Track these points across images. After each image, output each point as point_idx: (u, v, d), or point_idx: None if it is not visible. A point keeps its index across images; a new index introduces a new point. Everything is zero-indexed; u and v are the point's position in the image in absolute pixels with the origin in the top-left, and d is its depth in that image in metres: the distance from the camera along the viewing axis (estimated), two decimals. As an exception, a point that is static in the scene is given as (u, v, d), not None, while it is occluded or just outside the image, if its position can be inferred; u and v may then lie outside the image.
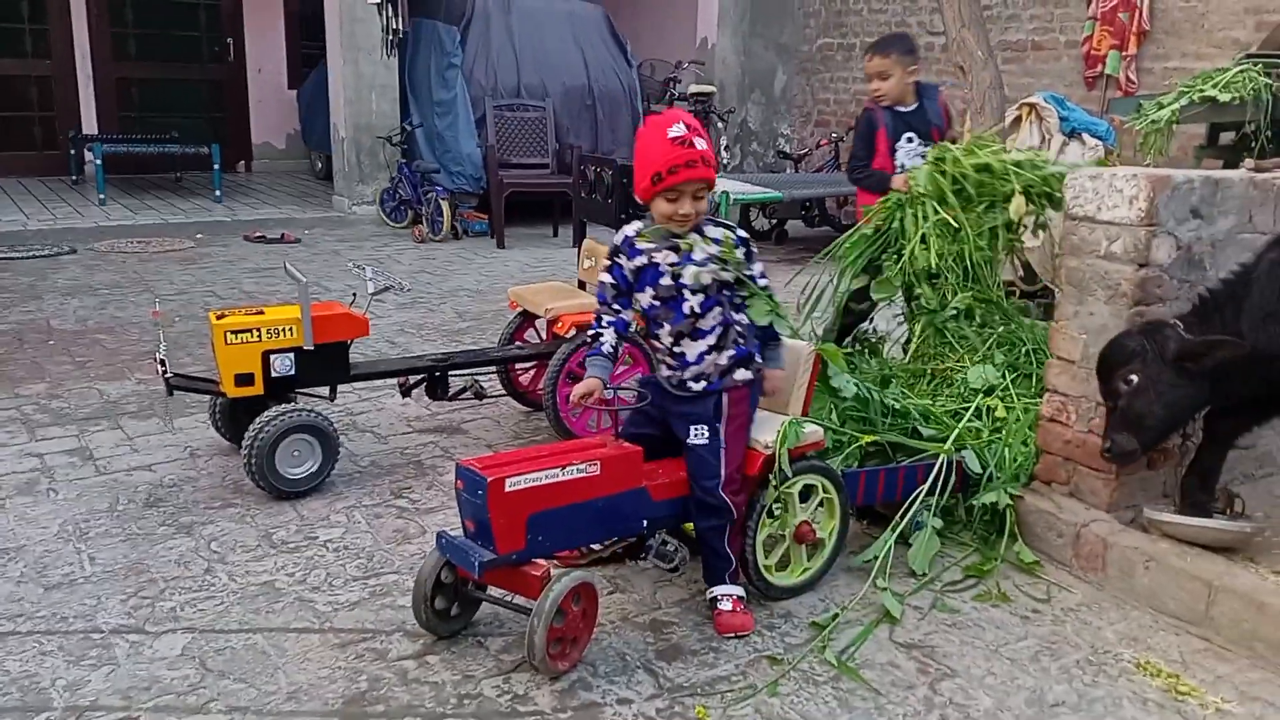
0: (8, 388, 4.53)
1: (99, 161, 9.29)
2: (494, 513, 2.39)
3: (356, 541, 3.19)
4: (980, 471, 3.23)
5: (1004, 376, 3.89)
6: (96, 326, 5.56)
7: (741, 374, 2.73)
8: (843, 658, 2.59)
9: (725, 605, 2.71)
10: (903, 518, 3.08)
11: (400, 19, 8.39)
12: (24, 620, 2.68)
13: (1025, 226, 5.98)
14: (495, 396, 4.28)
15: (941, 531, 3.14)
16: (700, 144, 2.59)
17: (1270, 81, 4.83)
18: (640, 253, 2.69)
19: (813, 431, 2.86)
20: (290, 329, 3.52)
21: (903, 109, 4.38)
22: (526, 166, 8.79)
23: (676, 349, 2.72)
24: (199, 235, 8.37)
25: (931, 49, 9.16)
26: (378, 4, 8.38)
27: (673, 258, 2.65)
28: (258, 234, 8.36)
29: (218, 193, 9.69)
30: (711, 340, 2.69)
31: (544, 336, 4.40)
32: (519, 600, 2.62)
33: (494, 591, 2.66)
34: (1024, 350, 4.09)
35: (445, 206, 8.42)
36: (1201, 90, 4.87)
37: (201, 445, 3.91)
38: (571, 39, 9.34)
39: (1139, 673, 2.60)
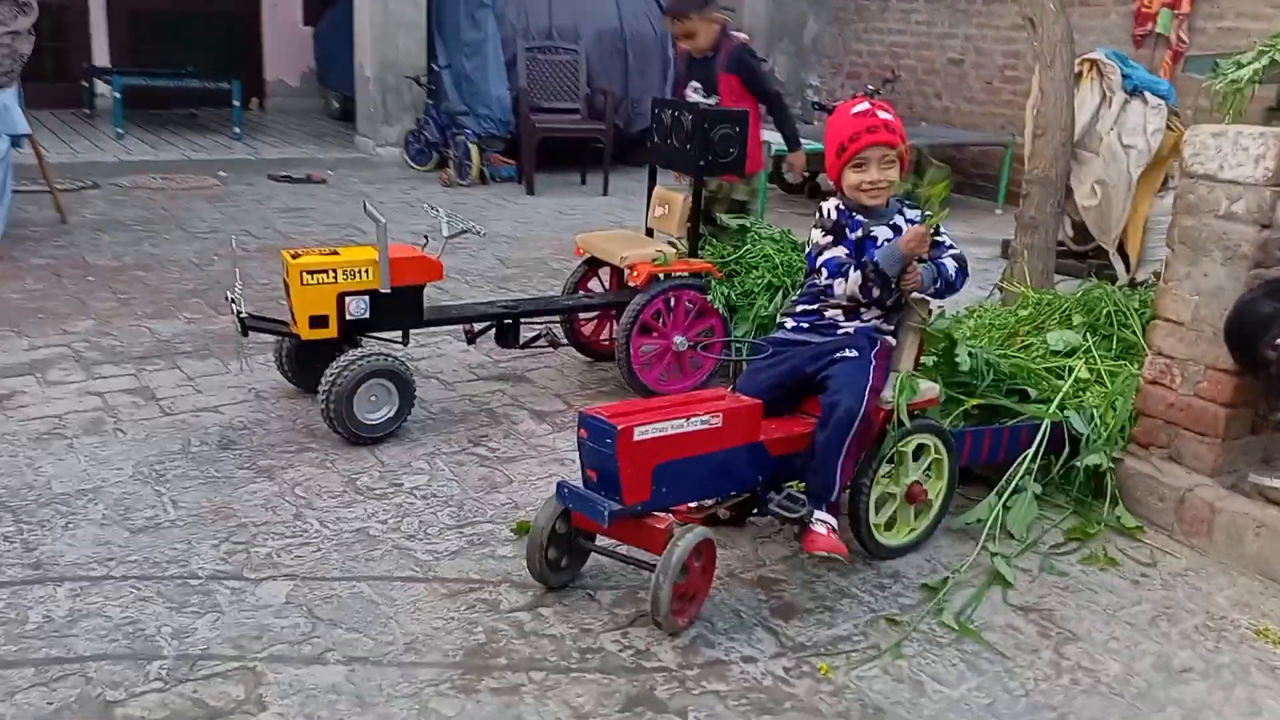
0: (54, 324, 4.40)
1: (118, 95, 9.04)
2: (622, 462, 2.31)
3: (443, 489, 3.11)
4: (1084, 434, 3.16)
5: (1085, 338, 3.82)
6: (135, 263, 5.42)
7: (889, 337, 2.78)
8: (961, 620, 2.54)
9: (820, 527, 2.61)
10: (1009, 481, 3.01)
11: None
12: (115, 564, 2.60)
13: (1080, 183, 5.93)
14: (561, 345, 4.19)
15: (1038, 494, 3.08)
16: (884, 114, 2.68)
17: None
18: (859, 225, 2.74)
19: (929, 388, 2.79)
20: (367, 271, 3.40)
21: (698, 56, 4.39)
22: (557, 111, 8.59)
23: (856, 296, 2.72)
24: (222, 172, 8.18)
25: (973, 0, 8.98)
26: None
27: (888, 233, 2.75)
28: (283, 174, 8.18)
29: (237, 130, 9.47)
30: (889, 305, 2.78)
31: (607, 285, 4.30)
32: (628, 552, 2.55)
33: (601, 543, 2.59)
34: (1104, 311, 4.02)
35: (474, 150, 8.24)
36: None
37: (265, 387, 3.81)
38: (603, -21, 9.10)
39: (1259, 640, 2.55)
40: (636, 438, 2.32)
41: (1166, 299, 3.15)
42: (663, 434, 2.36)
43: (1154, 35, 7.58)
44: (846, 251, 2.74)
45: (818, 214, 2.83)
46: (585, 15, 8.99)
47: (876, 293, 2.69)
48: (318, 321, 3.37)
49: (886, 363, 2.74)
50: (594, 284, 4.32)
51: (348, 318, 3.41)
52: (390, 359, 3.36)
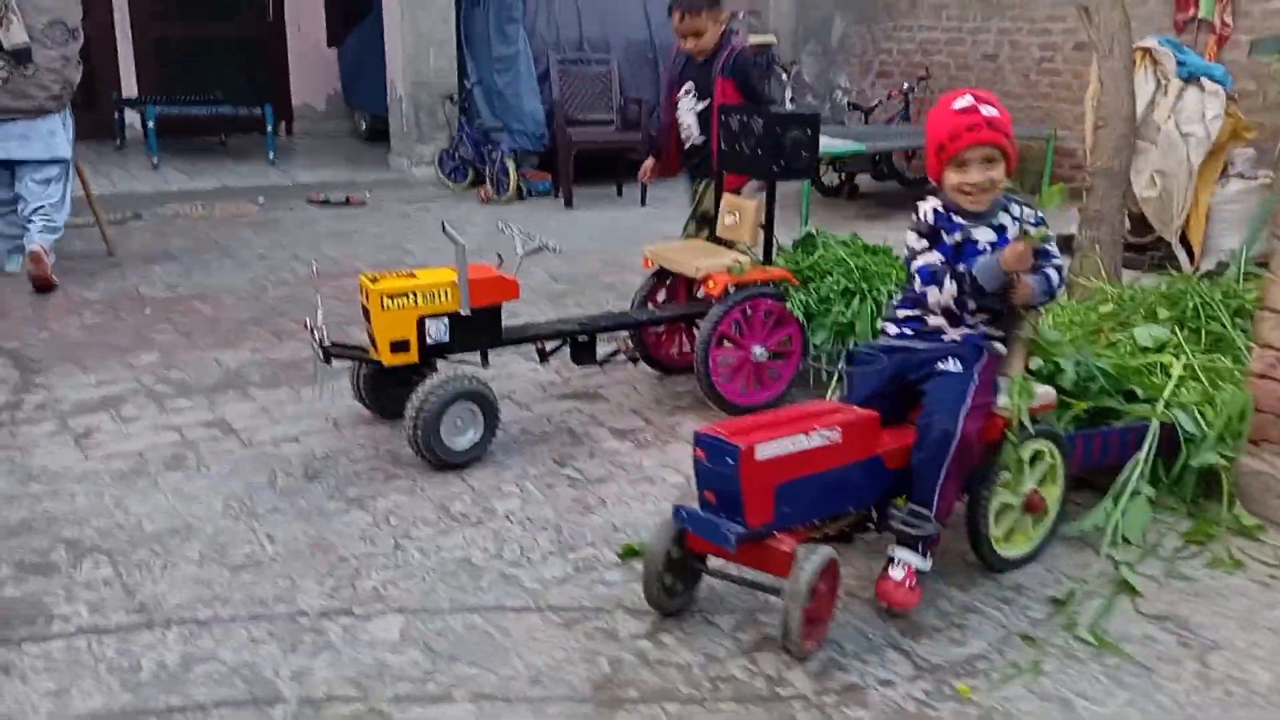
0: (118, 357, 4.37)
1: (152, 124, 9.05)
2: (745, 483, 2.23)
3: (538, 514, 3.04)
4: (1194, 433, 3.06)
5: (1174, 333, 3.72)
6: (189, 294, 5.39)
7: (998, 344, 2.64)
8: (1097, 632, 2.45)
9: (897, 573, 2.49)
10: (1124, 484, 2.92)
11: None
12: (221, 605, 2.54)
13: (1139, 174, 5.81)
14: (631, 360, 4.13)
15: (1151, 497, 2.99)
16: (987, 110, 2.53)
17: None
18: (958, 228, 2.61)
19: (1045, 392, 2.70)
20: (446, 293, 3.35)
21: (695, 59, 4.27)
22: (592, 123, 8.54)
23: (950, 307, 2.63)
24: (260, 199, 8.15)
25: (1005, -6, 8.88)
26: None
27: (990, 236, 2.61)
28: (322, 197, 8.15)
29: (271, 155, 9.47)
30: (993, 308, 2.65)
31: (676, 296, 4.22)
32: (739, 573, 2.47)
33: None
34: (1190, 305, 3.92)
35: (511, 166, 8.20)
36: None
37: (341, 414, 3.76)
38: (631, -11, 9.05)
39: (1407, 642, 2.45)
40: (759, 457, 2.24)
41: (1274, 290, 3.05)
42: (784, 452, 2.29)
43: (1196, 20, 7.46)
44: (942, 258, 2.63)
45: (914, 215, 2.73)
46: (615, 26, 8.95)
47: (973, 305, 2.61)
48: (399, 346, 3.32)
49: (994, 374, 2.63)
50: (661, 295, 4.24)
51: (428, 341, 3.36)
52: (475, 381, 3.30)
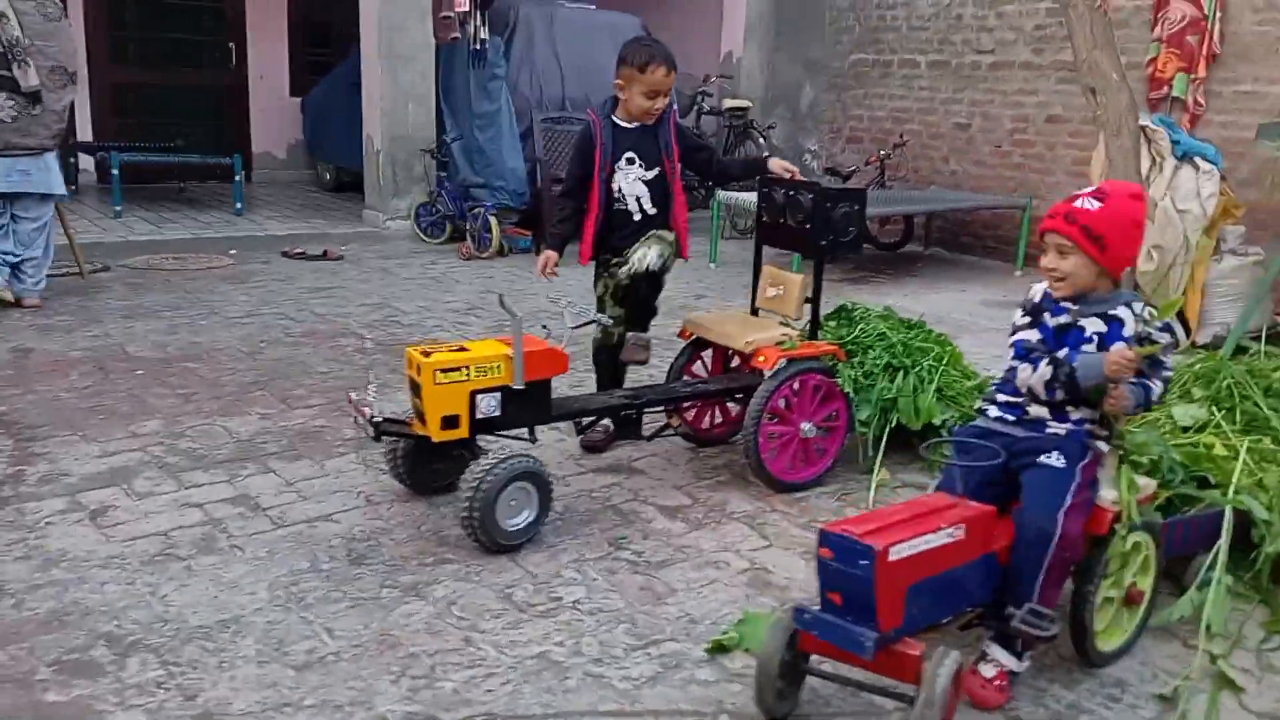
0: (119, 425, 4.12)
1: (116, 171, 8.76)
2: (880, 585, 2.13)
3: (607, 603, 2.90)
4: (1263, 518, 3.05)
5: (1211, 412, 3.74)
6: (180, 354, 5.14)
7: (1102, 444, 2.58)
8: (1214, 734, 2.39)
9: (988, 670, 2.45)
10: (1202, 572, 2.88)
11: (487, 28, 8.04)
12: (294, 711, 2.35)
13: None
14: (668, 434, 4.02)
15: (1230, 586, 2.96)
16: (1086, 204, 2.52)
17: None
18: (1065, 311, 2.57)
19: (1147, 484, 2.66)
20: (499, 367, 3.22)
21: (629, 124, 3.86)
22: (574, 182, 8.48)
23: (1038, 392, 2.57)
24: (232, 251, 7.91)
25: (979, 67, 9.10)
26: (462, 14, 8.02)
27: (1100, 326, 2.54)
28: (298, 250, 7.93)
29: (239, 205, 9.21)
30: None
31: (710, 369, 4.13)
32: (842, 671, 2.37)
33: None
34: (1224, 384, 3.95)
35: (494, 223, 8.09)
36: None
37: (373, 490, 3.58)
38: (613, 50, 9.00)
39: None
40: (893, 558, 2.15)
41: (1340, 377, 3.07)
42: (915, 551, 2.20)
43: (1169, 99, 7.71)
44: (1039, 336, 2.61)
45: (1025, 294, 2.71)
46: (596, 86, 8.91)
47: (1060, 395, 2.55)
48: (449, 422, 3.17)
49: (1095, 472, 2.56)
50: (697, 367, 4.15)
51: (478, 416, 3.22)
52: (531, 460, 3.16)
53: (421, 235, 8.76)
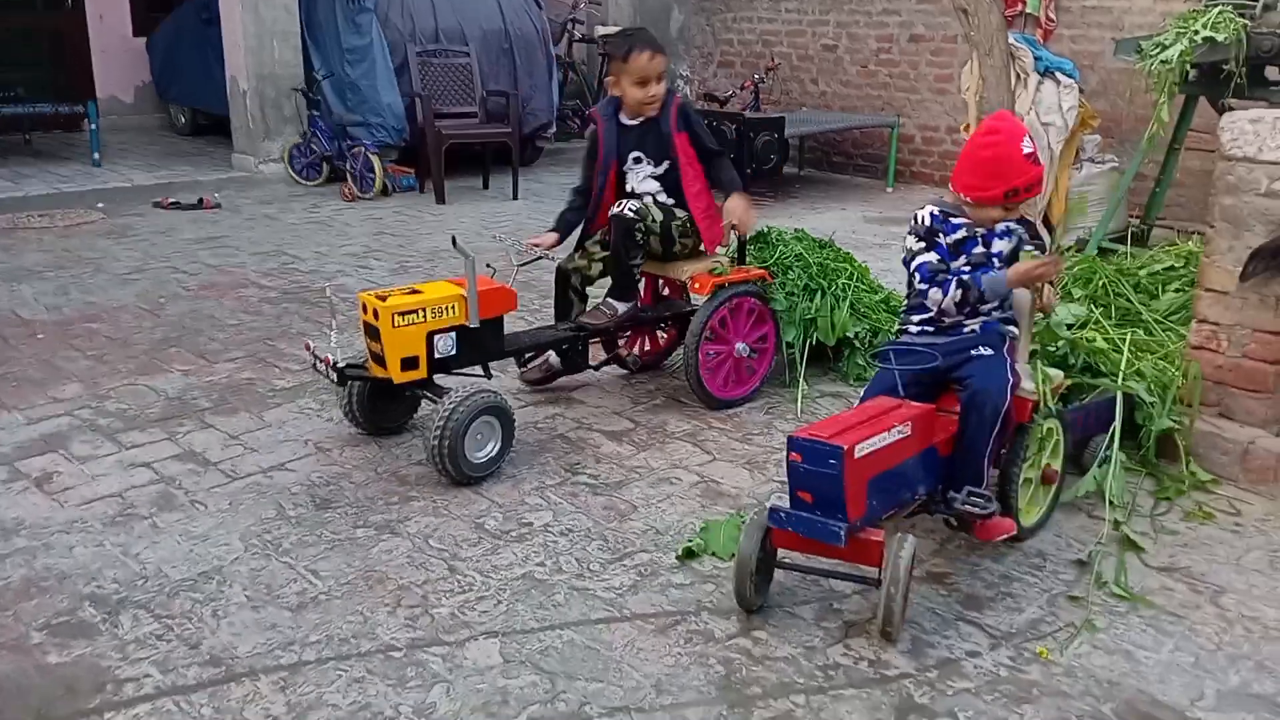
0: (37, 391, 4.01)
1: (-41, 125, 8.19)
2: (848, 480, 2.37)
3: (576, 524, 3.07)
4: (1149, 402, 3.43)
5: (1090, 309, 4.13)
6: (78, 315, 4.97)
7: (1010, 328, 2.85)
8: (1126, 587, 2.74)
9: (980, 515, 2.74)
10: (1108, 451, 3.24)
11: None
12: (301, 648, 2.45)
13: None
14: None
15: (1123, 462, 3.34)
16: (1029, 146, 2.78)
17: (1246, 22, 5.25)
18: (958, 227, 2.83)
19: (1056, 375, 2.97)
20: (454, 307, 3.30)
21: (632, 122, 3.82)
22: (455, 116, 8.39)
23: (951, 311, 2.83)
24: (100, 204, 7.56)
25: (844, -11, 9.35)
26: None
27: (981, 230, 2.85)
28: (171, 200, 7.64)
29: (95, 155, 8.74)
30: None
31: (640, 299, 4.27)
32: (808, 562, 2.62)
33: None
34: (1099, 283, 4.35)
35: (376, 161, 7.95)
36: (1197, 31, 5.24)
37: (320, 438, 3.62)
38: (484, -20, 8.93)
39: (1360, 570, 2.88)
40: (857, 455, 2.39)
41: (1211, 271, 3.45)
42: (874, 449, 2.44)
43: (1024, 15, 8.13)
44: (938, 257, 2.87)
45: (912, 220, 2.95)
46: (470, 16, 8.83)
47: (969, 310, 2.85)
48: (409, 363, 3.25)
49: (1015, 354, 2.89)
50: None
51: (436, 356, 3.30)
52: (495, 395, 3.28)
53: (297, 178, 8.53)
